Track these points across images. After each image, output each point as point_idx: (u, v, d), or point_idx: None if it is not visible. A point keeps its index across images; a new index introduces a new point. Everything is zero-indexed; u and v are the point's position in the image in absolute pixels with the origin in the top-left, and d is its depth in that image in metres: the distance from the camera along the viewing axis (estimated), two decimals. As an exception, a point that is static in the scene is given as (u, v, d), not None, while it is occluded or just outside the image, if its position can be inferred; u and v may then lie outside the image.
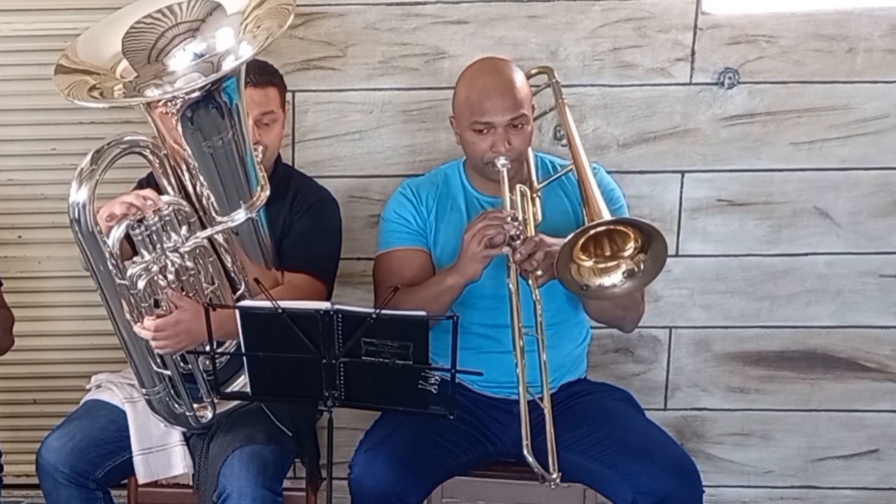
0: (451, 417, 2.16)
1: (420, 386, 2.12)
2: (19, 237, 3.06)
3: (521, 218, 2.32)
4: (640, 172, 2.88)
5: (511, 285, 2.32)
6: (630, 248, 2.26)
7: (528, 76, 2.62)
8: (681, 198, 2.89)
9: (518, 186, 2.38)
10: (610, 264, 2.29)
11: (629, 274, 2.27)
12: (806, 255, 2.92)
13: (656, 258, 2.23)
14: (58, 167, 2.92)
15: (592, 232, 2.24)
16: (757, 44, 2.79)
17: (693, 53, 2.81)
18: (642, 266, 2.25)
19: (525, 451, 2.27)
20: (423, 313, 2.07)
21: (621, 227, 2.26)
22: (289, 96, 2.84)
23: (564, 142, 2.66)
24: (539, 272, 2.28)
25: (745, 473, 3.09)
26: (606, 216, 2.25)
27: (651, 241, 2.22)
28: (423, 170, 2.73)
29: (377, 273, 2.56)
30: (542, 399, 2.34)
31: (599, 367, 2.94)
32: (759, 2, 2.78)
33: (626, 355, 3.02)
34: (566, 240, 2.20)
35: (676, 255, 2.92)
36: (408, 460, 2.32)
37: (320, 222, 2.56)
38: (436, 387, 2.14)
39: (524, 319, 2.33)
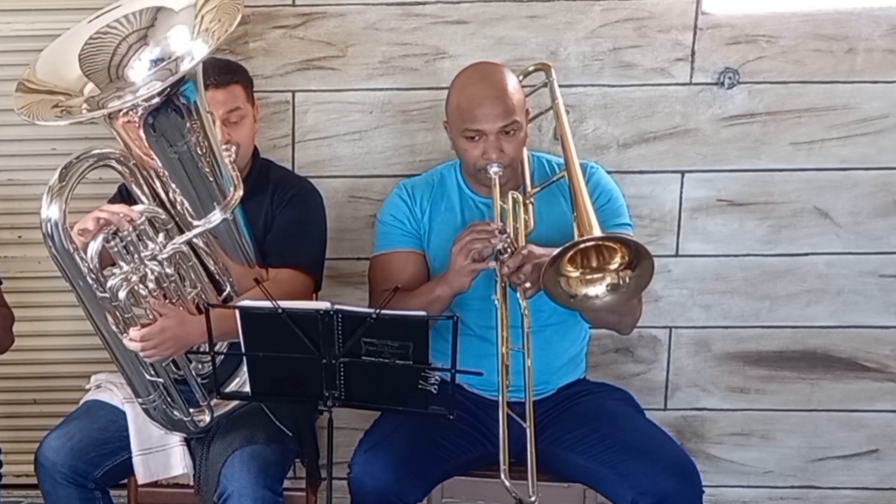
0: (451, 417, 2.15)
1: (420, 386, 2.12)
2: (19, 237, 3.06)
3: (510, 228, 2.30)
4: (640, 172, 2.88)
5: (497, 301, 2.30)
6: (616, 262, 2.24)
7: (526, 74, 2.61)
8: (681, 198, 2.89)
9: (511, 193, 2.37)
10: (595, 276, 2.26)
11: (612, 287, 2.25)
12: (806, 255, 2.91)
13: (641, 277, 2.21)
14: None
15: (581, 247, 2.21)
16: (757, 44, 2.79)
17: (693, 53, 2.81)
18: (627, 280, 2.23)
19: (502, 476, 2.23)
20: (423, 313, 2.07)
21: (609, 243, 2.23)
22: (288, 96, 2.84)
23: (564, 142, 2.66)
24: (527, 284, 2.26)
25: (745, 473, 3.09)
26: (596, 230, 2.21)
27: (640, 260, 2.19)
28: (423, 170, 2.73)
29: (372, 274, 2.56)
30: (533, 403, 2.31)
31: (599, 367, 2.94)
32: (759, 2, 2.78)
33: (626, 355, 3.01)
34: (551, 256, 2.17)
35: (676, 255, 2.92)
36: (407, 460, 2.32)
37: (303, 214, 2.54)
38: (436, 387, 2.13)
39: (512, 323, 2.31)
